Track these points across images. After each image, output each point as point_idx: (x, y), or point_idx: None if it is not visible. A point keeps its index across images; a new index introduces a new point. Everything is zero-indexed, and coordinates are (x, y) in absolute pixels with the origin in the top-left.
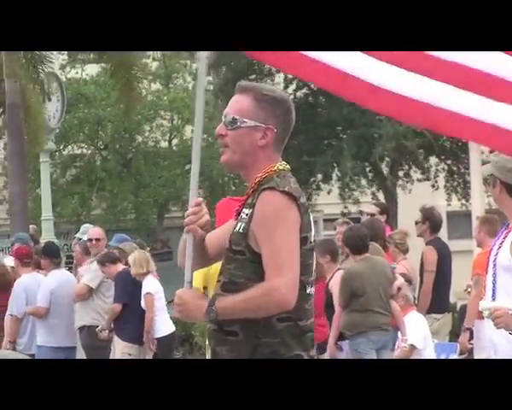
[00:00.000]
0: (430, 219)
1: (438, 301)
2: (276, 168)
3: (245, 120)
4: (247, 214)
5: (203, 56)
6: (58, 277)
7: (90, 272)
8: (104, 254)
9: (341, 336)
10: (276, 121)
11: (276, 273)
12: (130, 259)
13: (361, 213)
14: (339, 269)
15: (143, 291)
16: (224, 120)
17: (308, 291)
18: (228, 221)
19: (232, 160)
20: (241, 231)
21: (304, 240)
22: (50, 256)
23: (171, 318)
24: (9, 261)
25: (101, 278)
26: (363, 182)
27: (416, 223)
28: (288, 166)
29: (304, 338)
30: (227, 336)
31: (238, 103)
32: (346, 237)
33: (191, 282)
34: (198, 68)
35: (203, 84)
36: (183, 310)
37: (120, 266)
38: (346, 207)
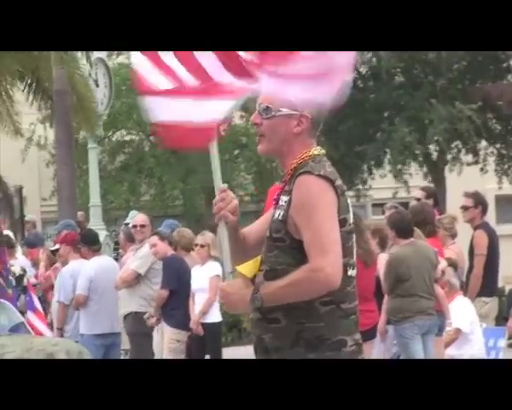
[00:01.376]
0: (482, 204)
1: (488, 285)
2: (311, 153)
3: (279, 108)
4: (285, 201)
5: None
6: (98, 264)
7: (138, 258)
8: (156, 231)
9: (387, 321)
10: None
11: (319, 254)
12: (209, 240)
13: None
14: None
15: (209, 274)
16: (258, 108)
17: (350, 273)
18: (268, 211)
19: (268, 148)
20: (280, 218)
21: (342, 222)
22: (88, 243)
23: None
24: (54, 247)
25: (149, 265)
26: (413, 166)
27: (466, 208)
28: (323, 151)
29: (347, 321)
30: (270, 324)
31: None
32: (393, 220)
33: (232, 272)
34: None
35: None
36: (227, 302)
37: (170, 250)
38: (396, 192)
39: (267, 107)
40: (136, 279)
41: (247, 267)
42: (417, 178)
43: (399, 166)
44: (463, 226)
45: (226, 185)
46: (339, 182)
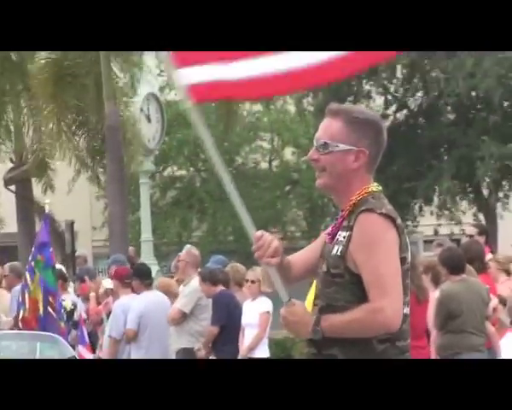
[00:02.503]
0: None
1: None
2: (370, 190)
3: (337, 144)
4: (344, 237)
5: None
6: (148, 299)
7: (184, 297)
8: (208, 271)
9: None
10: (368, 143)
11: (380, 295)
12: (258, 275)
13: (464, 233)
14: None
15: (259, 309)
16: (315, 144)
17: (405, 311)
18: (315, 241)
19: (327, 184)
20: (338, 254)
21: (402, 260)
22: (141, 277)
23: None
24: (108, 283)
25: (194, 302)
26: (465, 203)
27: None
28: (380, 188)
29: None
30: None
31: (329, 127)
32: (444, 257)
33: (289, 300)
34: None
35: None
36: (291, 323)
37: (219, 288)
38: (451, 233)
39: (325, 143)
40: (183, 317)
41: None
42: (469, 216)
43: (448, 202)
44: None
45: (261, 233)
46: (399, 220)
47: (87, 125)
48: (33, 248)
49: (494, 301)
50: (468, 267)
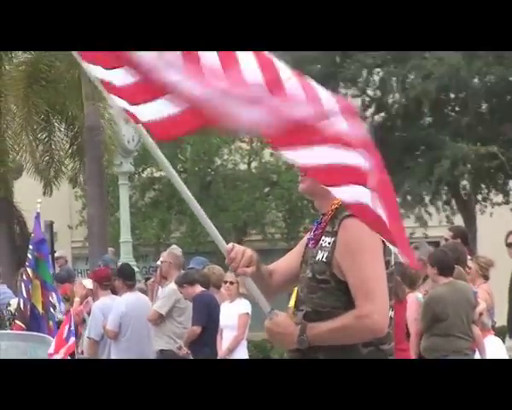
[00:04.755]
0: None
1: None
2: None
3: None
4: (329, 243)
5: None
6: (129, 299)
7: (161, 298)
8: (182, 275)
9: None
10: None
11: (366, 300)
12: (239, 278)
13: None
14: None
15: (238, 311)
16: None
17: (390, 315)
18: (293, 249)
19: (311, 187)
20: (324, 260)
21: (386, 264)
22: (124, 277)
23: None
24: (88, 284)
25: (172, 304)
26: (440, 205)
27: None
28: None
29: None
30: None
31: None
32: (436, 257)
33: (271, 310)
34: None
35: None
36: (276, 334)
37: (199, 288)
38: (425, 232)
39: None
40: (161, 318)
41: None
42: (447, 218)
43: (424, 203)
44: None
45: (231, 245)
46: None
47: (65, 125)
48: (30, 246)
49: (482, 306)
50: (460, 269)
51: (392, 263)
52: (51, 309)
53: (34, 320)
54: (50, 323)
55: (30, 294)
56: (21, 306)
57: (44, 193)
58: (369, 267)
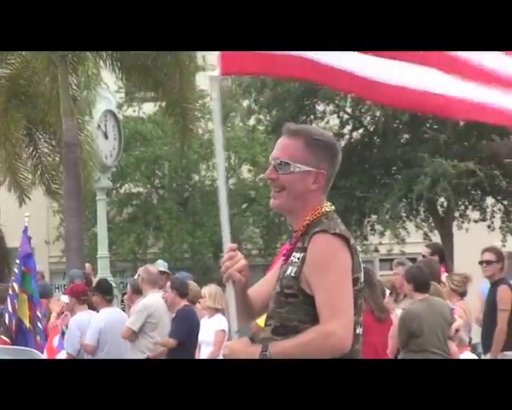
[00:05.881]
0: (503, 259)
1: (511, 339)
2: (323, 210)
3: (298, 164)
4: (298, 258)
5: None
6: (108, 315)
7: (134, 314)
8: (180, 281)
9: None
10: (327, 165)
11: (331, 317)
12: (207, 291)
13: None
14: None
15: (215, 328)
16: (273, 163)
17: (358, 332)
18: (270, 272)
19: (283, 204)
20: (292, 274)
21: (355, 281)
22: (102, 293)
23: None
24: (65, 299)
25: (144, 319)
26: (419, 222)
27: (489, 262)
28: (333, 207)
29: None
30: None
31: (289, 147)
32: (411, 274)
33: (238, 331)
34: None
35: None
36: (235, 354)
37: (184, 302)
38: (402, 249)
39: (285, 163)
40: (135, 334)
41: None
42: (420, 236)
43: (401, 220)
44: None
45: (236, 245)
46: (352, 241)
47: (42, 140)
48: (17, 260)
49: (458, 322)
50: (437, 286)
51: (362, 280)
52: (38, 324)
53: (21, 335)
54: (38, 338)
55: (16, 308)
56: (6, 320)
57: (20, 205)
58: (336, 283)
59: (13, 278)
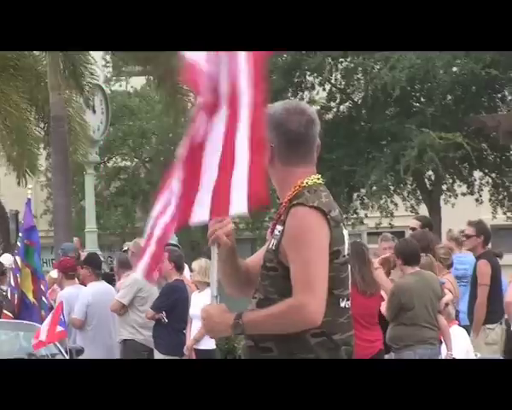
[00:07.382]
0: (485, 233)
1: (492, 312)
2: (305, 183)
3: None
4: (279, 231)
5: None
6: (96, 289)
7: (124, 288)
8: (178, 254)
9: (388, 349)
10: (273, 137)
11: (303, 290)
12: (197, 265)
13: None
14: None
15: (205, 301)
16: None
17: (343, 305)
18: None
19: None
20: (273, 248)
21: (336, 254)
22: (92, 266)
23: None
24: (54, 274)
25: (133, 293)
26: (406, 195)
27: (468, 236)
28: (319, 181)
29: (339, 352)
30: (262, 353)
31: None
32: (399, 248)
33: (217, 296)
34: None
35: None
36: (208, 324)
37: (176, 276)
38: (391, 222)
39: None
40: (124, 308)
41: None
42: (412, 208)
43: (389, 193)
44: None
45: None
46: (334, 213)
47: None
48: (20, 233)
49: (448, 296)
50: (431, 258)
51: (345, 253)
52: (43, 298)
53: (25, 310)
54: (42, 312)
55: (18, 283)
56: (9, 295)
57: (19, 183)
58: (310, 258)
59: (15, 251)
